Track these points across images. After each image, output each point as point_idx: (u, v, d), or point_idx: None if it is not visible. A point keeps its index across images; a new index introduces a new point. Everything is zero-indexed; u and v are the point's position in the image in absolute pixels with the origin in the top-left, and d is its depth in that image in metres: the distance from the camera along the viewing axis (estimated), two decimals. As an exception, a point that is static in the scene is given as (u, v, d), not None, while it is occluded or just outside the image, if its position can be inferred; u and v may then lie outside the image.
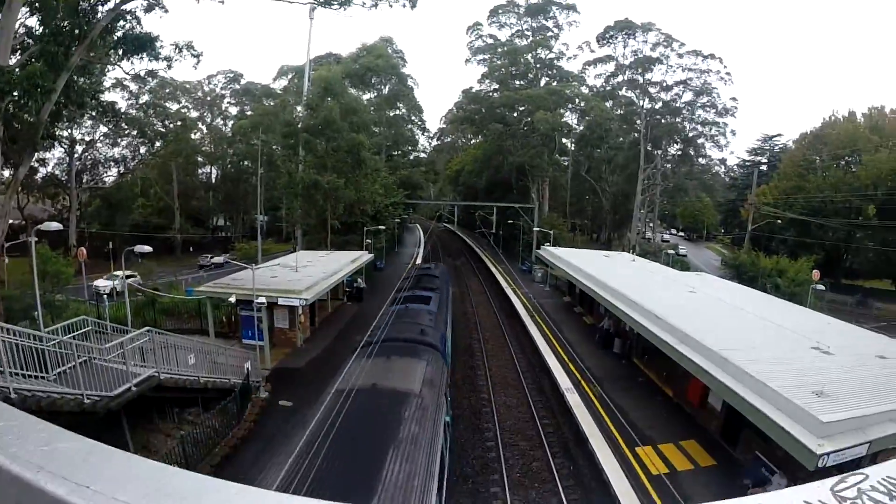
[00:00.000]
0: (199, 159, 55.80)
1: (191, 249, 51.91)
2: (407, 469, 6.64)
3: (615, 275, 23.40)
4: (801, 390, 10.64)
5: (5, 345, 9.00)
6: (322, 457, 6.58)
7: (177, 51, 23.32)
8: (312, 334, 25.17)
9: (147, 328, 12.71)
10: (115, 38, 20.40)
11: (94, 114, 25.41)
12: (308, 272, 23.63)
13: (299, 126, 35.41)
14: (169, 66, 23.57)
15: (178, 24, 73.24)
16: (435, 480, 6.81)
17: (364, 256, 31.14)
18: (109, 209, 43.93)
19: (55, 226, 12.37)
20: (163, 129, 40.82)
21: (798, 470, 11.32)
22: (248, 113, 60.29)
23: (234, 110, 63.29)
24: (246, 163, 59.50)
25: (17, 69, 16.18)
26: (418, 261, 46.59)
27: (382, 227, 40.84)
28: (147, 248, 16.28)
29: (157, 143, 39.63)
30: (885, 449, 9.85)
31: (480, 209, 65.29)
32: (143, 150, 41.87)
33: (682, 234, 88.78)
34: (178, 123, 42.69)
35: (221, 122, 59.10)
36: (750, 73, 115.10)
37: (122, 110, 30.20)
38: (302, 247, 42.23)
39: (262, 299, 16.66)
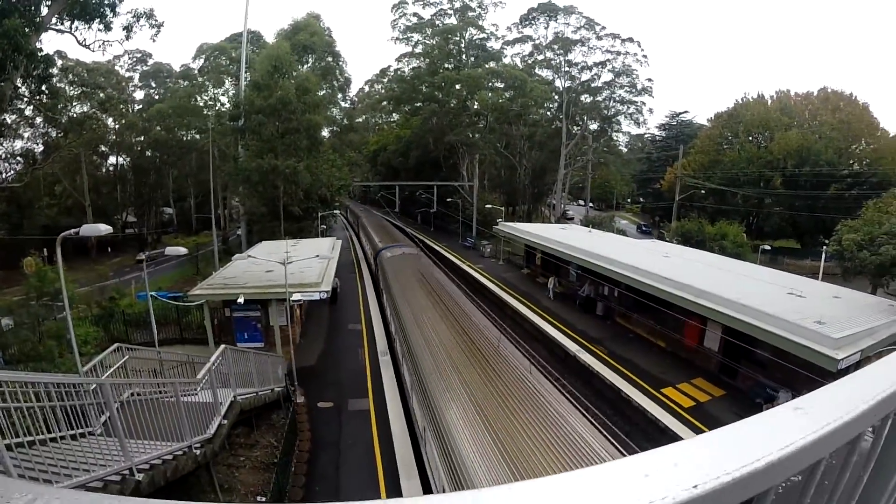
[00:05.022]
0: (103, 149, 49.04)
1: (109, 250, 46.02)
2: None
3: (593, 245, 25.69)
4: (807, 321, 13.48)
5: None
6: None
7: (135, 19, 20.86)
8: (304, 328, 24.48)
9: (223, 345, 11.79)
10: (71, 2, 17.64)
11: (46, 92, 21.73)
12: (303, 264, 22.73)
13: (246, 108, 32.87)
14: (127, 37, 21.14)
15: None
16: None
17: (337, 243, 30.38)
18: (19, 211, 37.30)
19: (105, 228, 10.19)
20: (76, 116, 35.24)
21: (797, 384, 14.35)
22: (156, 97, 53.95)
23: (139, 94, 56.41)
24: (154, 153, 53.40)
25: None
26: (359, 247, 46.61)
27: (336, 212, 39.83)
28: (183, 250, 14.73)
29: (70, 134, 34.12)
30: (869, 356, 13.07)
31: (407, 189, 64.13)
32: (49, 140, 35.81)
33: (591, 204, 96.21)
34: (90, 111, 37.06)
35: (128, 106, 52.05)
36: (661, 57, 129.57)
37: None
38: (247, 238, 39.66)
39: (298, 296, 15.99)
